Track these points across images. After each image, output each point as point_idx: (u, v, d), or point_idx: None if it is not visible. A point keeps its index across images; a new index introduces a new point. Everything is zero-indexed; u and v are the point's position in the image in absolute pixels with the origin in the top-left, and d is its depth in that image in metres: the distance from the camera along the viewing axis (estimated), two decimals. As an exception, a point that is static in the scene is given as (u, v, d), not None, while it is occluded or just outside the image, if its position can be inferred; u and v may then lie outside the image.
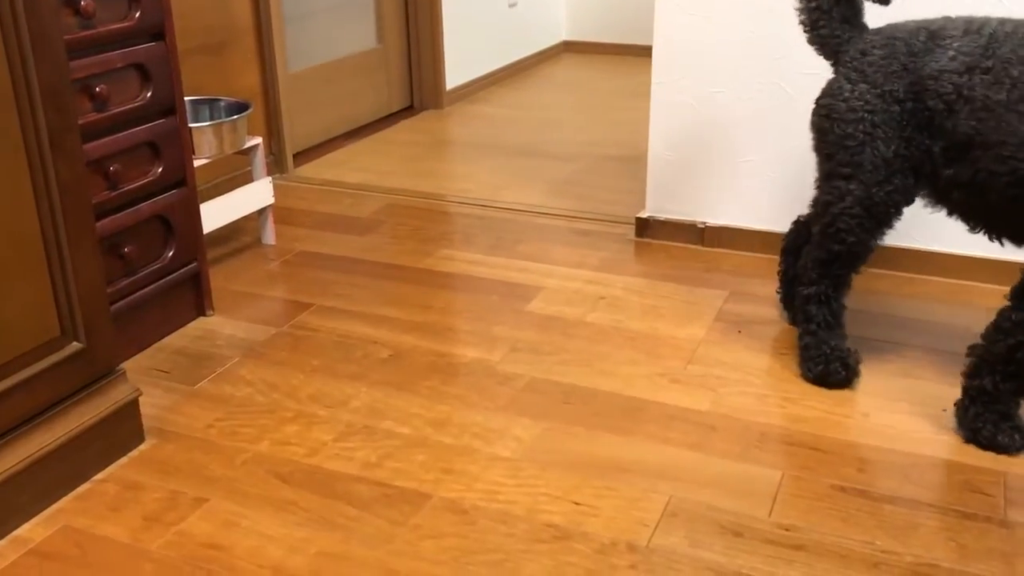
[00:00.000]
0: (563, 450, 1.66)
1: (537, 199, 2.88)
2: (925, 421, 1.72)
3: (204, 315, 2.17)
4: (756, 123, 2.33)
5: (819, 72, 2.23)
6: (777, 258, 2.10)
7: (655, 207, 2.51)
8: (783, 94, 2.28)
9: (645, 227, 2.53)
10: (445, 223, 2.72)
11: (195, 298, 2.15)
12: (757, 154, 2.35)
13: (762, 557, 1.40)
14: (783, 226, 2.39)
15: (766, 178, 2.37)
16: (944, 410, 1.74)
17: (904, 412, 1.75)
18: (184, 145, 2.03)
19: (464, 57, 4.11)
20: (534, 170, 3.16)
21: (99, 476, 1.61)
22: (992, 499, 1.51)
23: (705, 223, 2.46)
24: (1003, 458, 1.61)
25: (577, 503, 1.52)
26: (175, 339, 2.07)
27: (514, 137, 3.55)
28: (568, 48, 5.08)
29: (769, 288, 2.23)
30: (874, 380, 1.85)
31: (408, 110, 3.92)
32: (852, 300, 1.93)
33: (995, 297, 1.93)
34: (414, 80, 3.93)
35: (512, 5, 4.44)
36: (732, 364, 1.92)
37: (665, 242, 2.51)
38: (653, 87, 2.41)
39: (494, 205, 2.83)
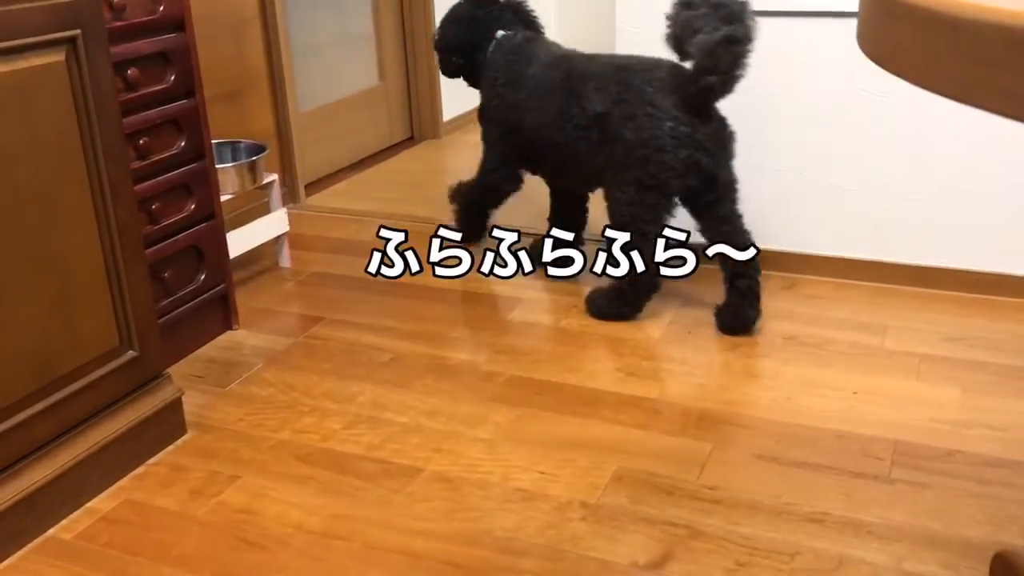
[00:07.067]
0: (533, 431, 2.00)
1: (521, 220, 3.23)
2: (837, 403, 2.05)
3: (232, 329, 2.52)
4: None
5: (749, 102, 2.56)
6: (720, 270, 2.43)
7: (623, 226, 2.85)
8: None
9: (615, 244, 2.87)
10: (440, 244, 3.06)
11: (224, 315, 2.51)
12: (709, 178, 2.69)
13: (688, 509, 1.73)
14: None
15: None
16: (854, 392, 2.08)
17: (819, 396, 2.08)
18: (212, 185, 2.39)
19: (460, 90, 4.46)
20: (520, 193, 3.50)
21: (152, 460, 1.96)
22: (881, 461, 1.85)
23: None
24: (896, 427, 1.95)
25: (542, 472, 1.86)
26: (208, 350, 2.43)
27: (504, 164, 3.90)
28: (558, 77, 5.43)
29: (716, 296, 2.57)
30: (799, 370, 2.19)
31: (408, 141, 4.29)
32: (786, 300, 2.26)
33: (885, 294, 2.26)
34: (413, 113, 4.30)
35: (503, 40, 4.80)
36: (680, 359, 2.25)
37: (632, 257, 2.85)
38: (617, 122, 2.75)
39: (484, 227, 3.18)
